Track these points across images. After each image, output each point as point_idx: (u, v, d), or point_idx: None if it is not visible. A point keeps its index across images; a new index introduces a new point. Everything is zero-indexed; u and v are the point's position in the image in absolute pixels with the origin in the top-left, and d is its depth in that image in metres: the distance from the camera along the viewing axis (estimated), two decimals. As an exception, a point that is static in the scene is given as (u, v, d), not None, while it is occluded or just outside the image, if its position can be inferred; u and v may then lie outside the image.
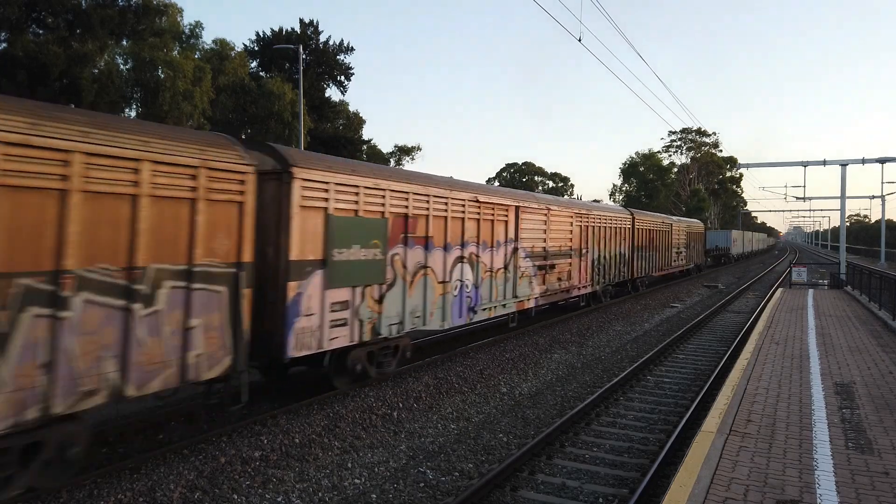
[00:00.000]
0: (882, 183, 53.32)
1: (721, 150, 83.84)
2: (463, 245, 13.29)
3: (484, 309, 14.36)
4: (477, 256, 13.91)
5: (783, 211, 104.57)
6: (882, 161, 31.25)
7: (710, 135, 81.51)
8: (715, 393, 9.49)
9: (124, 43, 33.42)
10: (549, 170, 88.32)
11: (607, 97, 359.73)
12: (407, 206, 11.42)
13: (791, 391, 9.19)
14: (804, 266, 34.67)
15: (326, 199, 9.65)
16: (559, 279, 18.50)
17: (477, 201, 13.83)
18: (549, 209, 17.65)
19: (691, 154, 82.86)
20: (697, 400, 10.55)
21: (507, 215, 15.29)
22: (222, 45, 40.33)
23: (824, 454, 6.56)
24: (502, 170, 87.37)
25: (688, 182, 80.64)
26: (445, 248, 12.63)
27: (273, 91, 38.45)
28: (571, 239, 19.26)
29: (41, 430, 6.29)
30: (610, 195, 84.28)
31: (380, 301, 10.80)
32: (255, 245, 8.52)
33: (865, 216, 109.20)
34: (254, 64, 45.78)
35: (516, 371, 13.21)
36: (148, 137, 7.08)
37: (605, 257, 22.29)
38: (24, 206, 5.99)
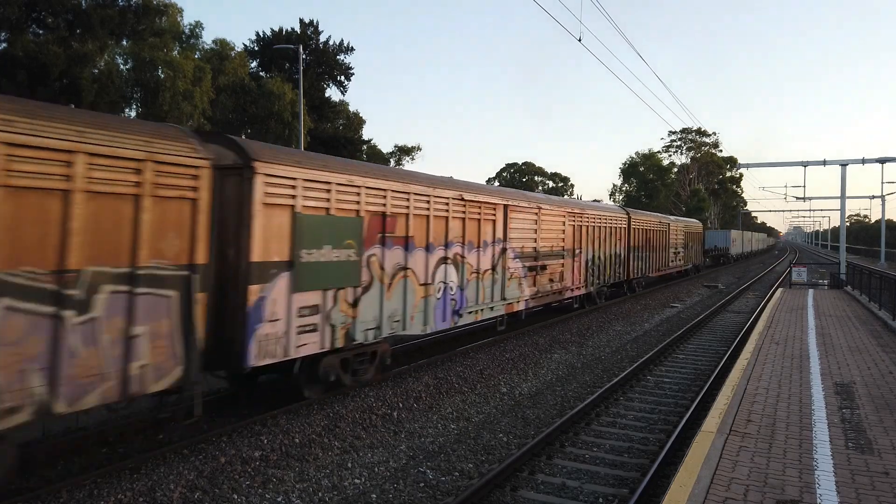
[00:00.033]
0: (882, 183, 53.38)
1: (721, 150, 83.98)
2: (447, 245, 12.73)
3: (470, 312, 13.80)
4: (462, 257, 13.34)
5: (783, 211, 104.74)
6: (882, 161, 31.26)
7: (710, 135, 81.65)
8: (715, 393, 9.49)
9: (124, 43, 33.46)
10: (549, 170, 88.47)
11: (607, 97, 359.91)
12: (385, 205, 10.84)
13: (791, 391, 9.19)
14: (804, 266, 34.68)
15: (294, 196, 9.01)
16: (551, 280, 17.95)
17: (462, 199, 13.24)
18: (540, 208, 17.14)
19: (691, 154, 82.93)
20: (697, 400, 10.55)
21: (494, 214, 14.72)
22: (222, 45, 40.37)
23: (824, 454, 6.56)
24: (502, 170, 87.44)
25: (688, 182, 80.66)
26: (428, 248, 12.07)
27: (273, 91, 38.48)
28: (564, 239, 18.73)
29: None
30: (610, 195, 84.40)
31: (354, 305, 10.19)
32: (214, 246, 8.02)
33: (865, 216, 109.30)
34: (254, 64, 45.83)
35: (516, 371, 13.21)
36: (83, 127, 6.44)
37: (599, 258, 21.82)
38: None
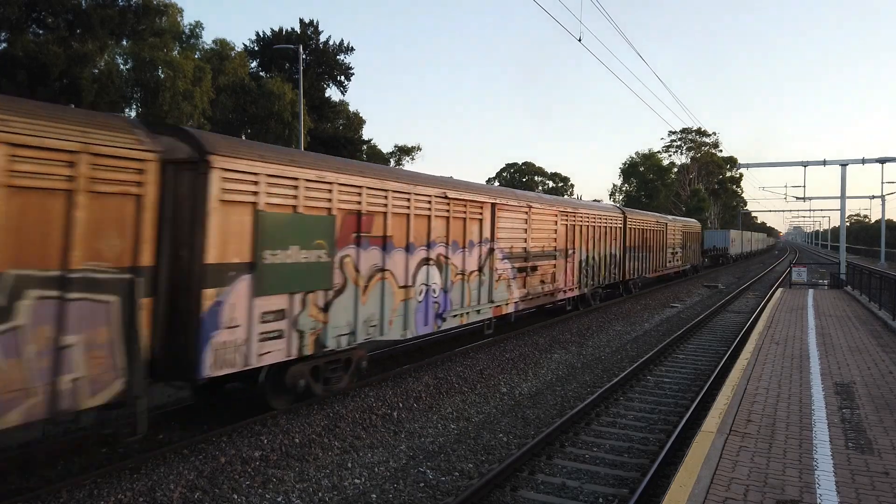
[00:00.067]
0: (882, 183, 53.39)
1: (721, 150, 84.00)
2: (429, 246, 12.10)
3: (454, 315, 13.14)
4: (446, 258, 12.73)
5: (783, 211, 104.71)
6: (882, 161, 31.27)
7: (710, 135, 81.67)
8: (715, 393, 9.49)
9: (124, 43, 33.49)
10: (549, 170, 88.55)
11: (607, 97, 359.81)
12: (360, 202, 10.23)
13: (791, 391, 9.19)
14: (804, 266, 34.71)
15: (256, 193, 8.39)
16: (542, 282, 17.37)
17: (446, 197, 12.62)
18: (530, 207, 16.52)
19: (691, 154, 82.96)
20: (697, 400, 10.55)
21: (481, 213, 14.10)
22: (222, 45, 40.39)
23: (824, 454, 6.56)
24: (502, 170, 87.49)
25: (688, 182, 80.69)
26: (408, 249, 11.45)
27: (273, 91, 38.52)
28: (556, 239, 18.15)
29: None
30: (610, 195, 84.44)
31: (325, 309, 9.56)
32: (168, 247, 7.57)
33: (865, 216, 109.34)
34: (254, 64, 45.86)
35: (516, 371, 13.21)
36: (4, 115, 5.85)
37: (594, 258, 21.27)
38: None
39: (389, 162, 61.36)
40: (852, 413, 8.11)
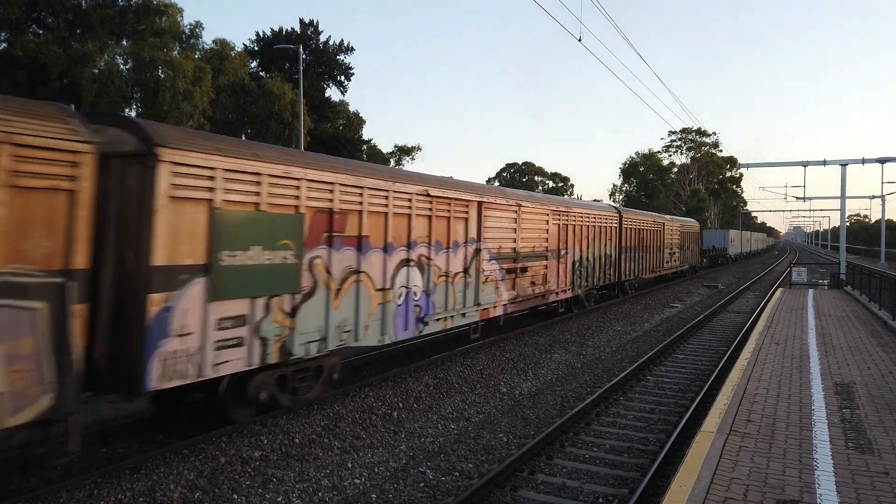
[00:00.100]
0: (882, 183, 53.38)
1: (721, 150, 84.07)
2: (409, 246, 11.46)
3: (437, 319, 12.47)
4: (428, 259, 12.08)
5: (783, 211, 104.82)
6: (882, 161, 31.28)
7: (709, 135, 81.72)
8: (715, 393, 9.49)
9: (124, 43, 33.51)
10: (549, 170, 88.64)
11: (607, 97, 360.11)
12: (332, 200, 9.60)
13: (791, 391, 9.19)
14: (804, 266, 34.71)
15: (212, 189, 7.72)
16: (533, 283, 16.71)
17: (428, 195, 11.97)
18: (519, 205, 15.82)
19: (691, 154, 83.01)
20: (697, 400, 10.55)
21: (467, 212, 13.41)
22: (222, 45, 40.43)
23: (824, 454, 6.57)
24: (502, 170, 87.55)
25: (688, 182, 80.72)
26: (386, 249, 10.82)
27: (273, 91, 38.55)
28: (548, 239, 17.43)
29: None
30: (610, 195, 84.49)
31: (292, 314, 8.92)
32: (113, 247, 7.06)
33: (865, 216, 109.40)
34: (254, 64, 45.91)
35: (516, 371, 13.21)
36: None
37: (588, 259, 20.57)
38: None
39: (389, 162, 61.38)
40: (852, 413, 8.11)
